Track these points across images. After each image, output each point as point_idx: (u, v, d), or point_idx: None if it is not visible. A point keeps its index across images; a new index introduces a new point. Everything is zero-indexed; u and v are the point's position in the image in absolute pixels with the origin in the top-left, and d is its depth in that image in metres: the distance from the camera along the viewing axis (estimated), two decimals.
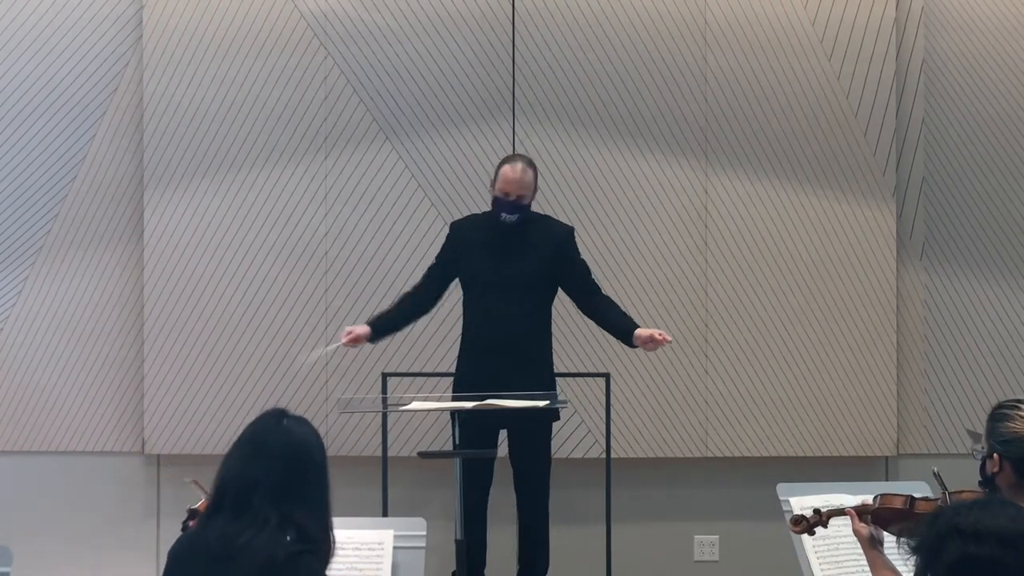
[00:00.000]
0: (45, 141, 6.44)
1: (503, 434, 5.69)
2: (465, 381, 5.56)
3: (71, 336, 6.42)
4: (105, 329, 6.43)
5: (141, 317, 6.38)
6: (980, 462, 3.67)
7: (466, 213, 6.16)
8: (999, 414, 3.66)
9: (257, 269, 6.36)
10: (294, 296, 6.35)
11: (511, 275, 5.55)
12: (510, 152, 6.27)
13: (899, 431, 6.45)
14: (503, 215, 5.59)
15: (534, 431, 5.58)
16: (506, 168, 5.62)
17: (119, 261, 6.45)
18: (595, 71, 6.42)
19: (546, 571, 5.70)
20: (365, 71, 6.39)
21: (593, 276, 5.80)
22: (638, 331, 5.52)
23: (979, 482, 3.74)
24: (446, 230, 6.27)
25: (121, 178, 6.46)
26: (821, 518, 3.88)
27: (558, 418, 5.70)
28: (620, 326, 5.62)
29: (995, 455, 3.57)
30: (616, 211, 6.39)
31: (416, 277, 6.32)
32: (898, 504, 3.70)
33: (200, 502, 4.32)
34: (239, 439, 3.19)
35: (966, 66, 6.58)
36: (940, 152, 6.56)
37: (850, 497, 4.23)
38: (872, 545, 3.66)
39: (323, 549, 3.10)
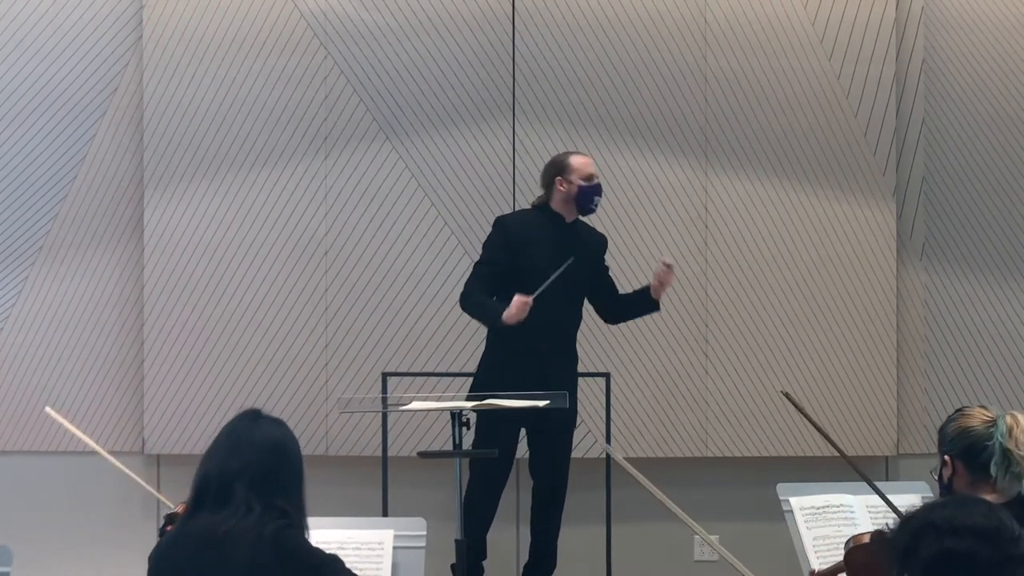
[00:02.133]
0: (45, 141, 6.43)
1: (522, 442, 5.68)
2: (505, 377, 5.35)
3: (71, 336, 6.41)
4: (105, 329, 6.42)
5: (141, 317, 6.37)
6: (938, 475, 3.62)
7: (466, 214, 6.16)
8: (947, 419, 3.66)
9: (257, 269, 6.36)
10: (294, 296, 6.35)
11: (570, 274, 5.46)
12: (510, 152, 6.28)
13: (899, 431, 6.44)
14: (595, 199, 5.55)
15: (558, 432, 5.55)
16: (578, 158, 5.58)
17: (119, 261, 6.44)
18: (595, 71, 6.41)
19: (551, 572, 5.70)
20: (365, 71, 6.38)
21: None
22: (651, 287, 5.56)
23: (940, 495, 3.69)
24: (446, 230, 6.28)
25: (121, 178, 6.45)
26: None
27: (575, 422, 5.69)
28: (636, 301, 5.67)
29: (946, 457, 3.56)
30: (616, 211, 6.38)
31: (416, 277, 6.33)
32: (866, 539, 3.62)
33: (178, 506, 4.33)
34: (216, 438, 3.24)
35: (966, 66, 6.58)
36: (940, 152, 6.56)
37: (850, 497, 4.23)
38: None
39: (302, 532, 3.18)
